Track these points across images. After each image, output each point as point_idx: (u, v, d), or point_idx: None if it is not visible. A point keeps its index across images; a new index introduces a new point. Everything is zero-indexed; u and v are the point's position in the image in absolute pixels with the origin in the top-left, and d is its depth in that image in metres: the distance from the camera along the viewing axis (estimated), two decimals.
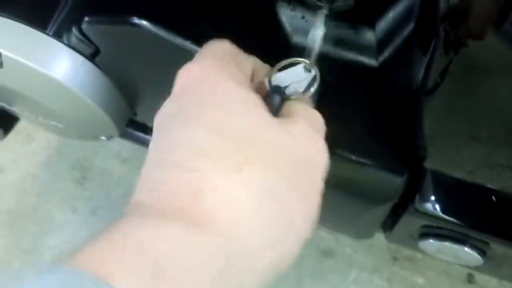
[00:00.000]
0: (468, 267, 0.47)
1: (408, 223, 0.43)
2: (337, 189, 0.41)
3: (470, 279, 0.76)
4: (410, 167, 0.38)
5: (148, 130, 0.59)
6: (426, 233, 0.43)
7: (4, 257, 0.77)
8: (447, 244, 0.42)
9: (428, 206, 0.40)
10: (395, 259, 0.77)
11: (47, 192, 0.81)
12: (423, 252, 0.47)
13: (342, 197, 0.43)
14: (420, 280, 0.76)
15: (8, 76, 0.46)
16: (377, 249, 0.77)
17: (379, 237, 0.50)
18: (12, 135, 0.60)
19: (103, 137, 0.55)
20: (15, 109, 0.54)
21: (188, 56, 0.32)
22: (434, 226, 0.42)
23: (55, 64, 0.45)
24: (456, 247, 0.41)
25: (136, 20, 0.39)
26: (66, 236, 0.77)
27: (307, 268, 0.75)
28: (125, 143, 0.64)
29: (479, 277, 0.76)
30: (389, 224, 0.47)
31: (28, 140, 0.82)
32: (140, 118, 0.55)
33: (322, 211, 0.38)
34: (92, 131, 0.54)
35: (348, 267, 0.76)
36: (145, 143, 0.61)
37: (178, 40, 0.38)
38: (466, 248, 0.41)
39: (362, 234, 0.50)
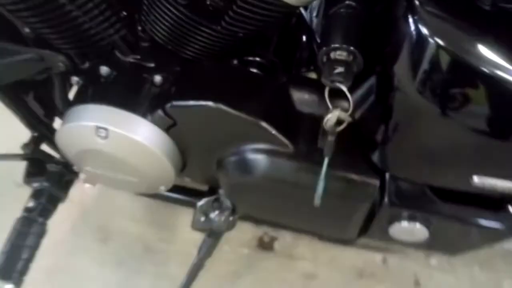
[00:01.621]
0: (420, 246, 0.74)
1: (381, 217, 0.70)
2: (334, 198, 0.68)
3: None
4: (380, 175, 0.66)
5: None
6: (392, 221, 0.70)
7: None
8: (406, 224, 0.69)
9: (395, 200, 0.67)
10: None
11: (78, 251, 1.00)
12: (390, 238, 0.73)
13: (337, 204, 0.70)
14: None
15: (110, 145, 0.70)
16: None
17: None
18: None
19: (162, 188, 0.79)
20: (100, 171, 0.76)
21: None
22: (397, 215, 0.69)
23: (143, 134, 0.69)
24: (412, 224, 0.69)
25: (212, 104, 0.65)
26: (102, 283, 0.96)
27: None
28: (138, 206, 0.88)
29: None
30: (364, 229, 0.74)
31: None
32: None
33: (319, 219, 0.65)
34: (158, 183, 0.77)
35: None
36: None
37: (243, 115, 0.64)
38: (417, 225, 0.69)
39: (349, 234, 0.77)
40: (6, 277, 0.73)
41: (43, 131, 0.87)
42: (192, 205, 0.87)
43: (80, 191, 0.96)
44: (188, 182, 0.91)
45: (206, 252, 0.84)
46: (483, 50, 0.50)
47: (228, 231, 0.84)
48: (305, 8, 0.74)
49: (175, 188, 0.89)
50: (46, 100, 0.85)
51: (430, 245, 0.76)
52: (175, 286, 0.87)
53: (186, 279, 0.85)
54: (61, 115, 0.85)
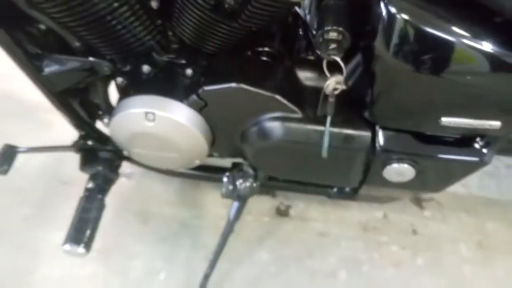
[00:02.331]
0: (411, 187, 0.92)
1: (376, 163, 0.89)
2: (337, 150, 0.86)
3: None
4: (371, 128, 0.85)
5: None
6: (384, 165, 0.88)
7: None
8: (396, 166, 0.87)
9: (385, 146, 0.86)
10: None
11: (123, 233, 1.17)
12: (385, 182, 0.91)
13: (340, 155, 0.88)
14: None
15: (157, 126, 0.88)
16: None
17: None
18: None
19: (197, 161, 0.97)
20: (147, 151, 0.94)
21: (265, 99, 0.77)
22: (388, 159, 0.87)
23: (182, 115, 0.88)
24: (401, 166, 0.87)
25: (235, 85, 0.84)
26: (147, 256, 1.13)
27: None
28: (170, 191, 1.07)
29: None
30: (363, 178, 0.93)
31: None
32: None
33: (327, 171, 0.83)
34: (194, 157, 0.95)
35: None
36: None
37: (261, 91, 0.83)
38: (405, 166, 0.88)
39: (352, 182, 0.95)
40: (78, 243, 0.90)
41: (87, 130, 1.05)
42: (219, 180, 1.04)
43: (119, 183, 1.14)
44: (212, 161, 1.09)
45: (235, 215, 1.01)
46: (437, 21, 0.69)
47: (252, 196, 1.01)
48: (299, 7, 0.93)
49: (204, 167, 1.07)
50: (87, 104, 1.03)
51: (418, 185, 0.93)
52: (210, 253, 1.04)
53: (219, 241, 1.03)
54: (102, 115, 1.04)
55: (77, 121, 1.02)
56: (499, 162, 1.35)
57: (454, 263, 1.13)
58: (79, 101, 1.03)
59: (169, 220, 1.18)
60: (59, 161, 1.28)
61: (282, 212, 1.21)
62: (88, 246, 0.89)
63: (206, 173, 1.10)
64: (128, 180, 1.23)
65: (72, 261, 1.08)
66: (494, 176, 1.32)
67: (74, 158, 1.06)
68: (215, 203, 1.18)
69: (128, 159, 1.04)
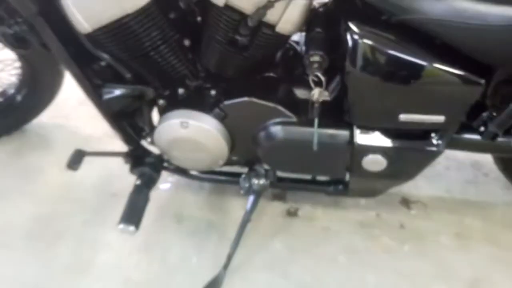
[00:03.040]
0: (386, 176, 1.19)
1: (355, 155, 1.16)
2: (324, 145, 1.14)
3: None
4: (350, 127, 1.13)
5: None
6: (362, 156, 1.15)
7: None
8: (371, 157, 1.15)
9: (361, 141, 1.13)
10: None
11: (161, 231, 1.45)
12: (365, 172, 1.18)
13: (327, 149, 1.15)
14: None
15: (190, 132, 1.18)
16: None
17: None
18: None
19: (220, 162, 1.26)
20: (182, 154, 1.23)
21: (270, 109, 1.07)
22: (364, 151, 1.14)
23: (208, 124, 1.17)
24: (375, 156, 1.14)
25: (247, 99, 1.14)
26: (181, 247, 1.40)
27: None
28: (199, 198, 1.36)
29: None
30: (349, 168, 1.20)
31: None
32: None
33: (319, 164, 1.11)
34: (217, 158, 1.23)
35: None
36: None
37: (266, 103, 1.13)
38: (379, 156, 1.15)
39: (340, 172, 1.22)
40: (130, 223, 1.18)
41: (134, 145, 1.35)
42: (237, 182, 1.32)
43: (158, 194, 1.43)
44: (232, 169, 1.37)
45: (251, 207, 1.28)
46: (389, 44, 0.99)
47: (264, 191, 1.28)
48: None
49: (226, 173, 1.36)
50: (135, 126, 1.34)
51: (392, 173, 1.19)
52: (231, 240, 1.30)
53: (239, 228, 1.29)
54: (146, 135, 1.34)
55: (127, 138, 1.33)
56: (477, 171, 1.59)
57: (435, 249, 1.36)
58: (129, 123, 1.34)
59: (198, 220, 1.45)
60: (109, 177, 1.59)
61: (292, 213, 1.47)
62: (137, 226, 1.17)
63: (229, 177, 1.38)
64: (165, 192, 1.52)
65: (121, 252, 1.36)
66: (473, 182, 1.57)
67: (119, 177, 1.39)
68: (235, 208, 1.46)
69: (165, 168, 1.34)
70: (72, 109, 1.85)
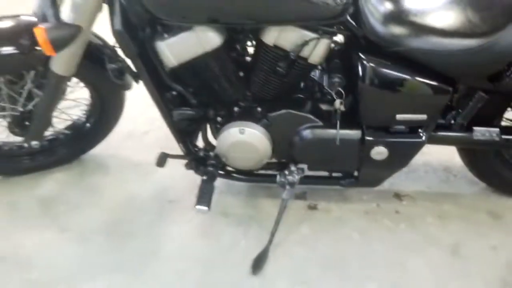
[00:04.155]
0: (387, 166, 1.66)
1: (365, 148, 1.63)
2: (344, 142, 1.61)
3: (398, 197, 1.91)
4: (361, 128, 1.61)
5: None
6: (370, 148, 1.62)
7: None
8: (377, 148, 1.62)
9: (370, 137, 1.61)
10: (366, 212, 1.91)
11: (215, 223, 1.86)
12: (372, 161, 1.65)
13: (345, 145, 1.62)
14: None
15: (245, 137, 1.62)
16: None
17: None
18: None
19: (264, 161, 1.70)
20: (237, 154, 1.67)
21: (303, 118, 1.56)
22: (372, 144, 1.62)
23: (258, 130, 1.63)
24: (379, 148, 1.62)
25: (285, 111, 1.61)
26: (231, 233, 1.81)
27: None
28: (234, 200, 1.81)
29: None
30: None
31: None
32: None
33: (339, 158, 1.59)
34: (262, 158, 1.66)
35: None
36: None
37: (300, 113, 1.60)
38: (382, 147, 1.62)
39: (352, 165, 1.68)
40: (204, 204, 1.59)
41: (192, 155, 1.78)
42: (272, 181, 1.76)
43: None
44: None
45: (287, 195, 1.71)
46: (388, 67, 1.48)
47: (295, 184, 1.72)
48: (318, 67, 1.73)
49: (264, 175, 1.80)
50: (192, 139, 1.78)
51: (392, 162, 1.65)
52: (269, 231, 1.71)
53: (277, 215, 1.71)
54: (204, 150, 1.77)
55: (187, 149, 1.76)
56: (449, 173, 2.08)
57: (423, 226, 1.80)
58: (190, 140, 1.77)
59: (240, 215, 1.86)
60: (164, 188, 2.00)
61: (312, 207, 1.91)
62: (209, 207, 1.58)
63: (266, 178, 1.82)
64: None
65: (184, 241, 1.74)
66: (446, 181, 2.05)
67: (172, 187, 1.85)
68: (268, 205, 1.88)
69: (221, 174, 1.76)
70: (120, 142, 2.26)
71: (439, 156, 2.13)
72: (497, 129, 1.63)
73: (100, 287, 1.59)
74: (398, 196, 1.94)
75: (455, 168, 2.07)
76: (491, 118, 1.66)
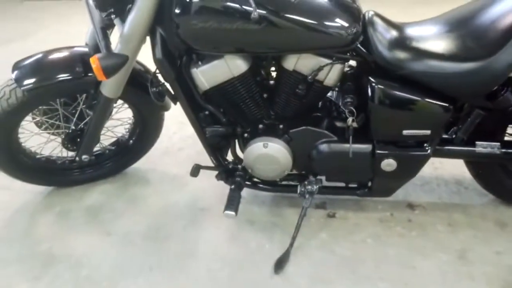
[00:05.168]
0: (397, 177, 1.85)
1: (376, 160, 1.82)
2: (356, 155, 1.81)
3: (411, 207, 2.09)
4: (372, 142, 1.81)
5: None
6: (380, 161, 1.82)
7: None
8: (386, 160, 1.81)
9: (379, 150, 1.80)
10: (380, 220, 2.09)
11: (240, 230, 2.07)
12: (383, 172, 1.84)
13: (357, 158, 1.82)
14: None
15: (268, 150, 1.84)
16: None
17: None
18: None
19: (285, 172, 1.91)
20: (261, 166, 1.89)
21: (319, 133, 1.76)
22: (382, 157, 1.81)
23: (280, 145, 1.84)
24: (388, 160, 1.80)
25: (305, 128, 1.83)
26: (257, 238, 2.02)
27: None
28: (260, 210, 2.02)
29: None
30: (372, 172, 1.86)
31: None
32: None
33: (352, 171, 1.80)
34: (284, 169, 1.87)
35: None
36: None
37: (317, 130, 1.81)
38: (391, 159, 1.81)
39: (365, 176, 1.87)
40: (231, 210, 1.80)
41: (222, 166, 2.01)
42: (293, 191, 1.97)
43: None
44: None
45: (307, 203, 1.91)
46: (395, 88, 1.69)
47: (315, 194, 1.92)
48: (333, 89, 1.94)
49: (286, 186, 2.01)
50: (222, 154, 2.01)
51: (401, 172, 1.83)
52: (291, 235, 1.91)
53: (298, 220, 1.91)
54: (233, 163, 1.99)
55: (218, 162, 1.99)
56: (460, 186, 2.24)
57: (434, 233, 1.96)
58: (221, 154, 2.00)
59: (265, 222, 2.07)
60: (196, 199, 2.23)
61: (331, 216, 2.10)
62: (236, 212, 1.79)
63: (288, 188, 2.02)
64: (240, 205, 2.15)
65: (216, 243, 1.95)
66: (457, 193, 2.20)
67: (203, 198, 2.07)
68: (290, 214, 2.08)
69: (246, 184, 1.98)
70: (159, 157, 2.51)
71: (452, 170, 2.30)
72: (497, 143, 1.78)
73: (140, 284, 1.80)
74: (411, 206, 2.11)
75: (466, 181, 2.22)
76: (493, 133, 1.82)
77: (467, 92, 1.62)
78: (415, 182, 2.24)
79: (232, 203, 1.80)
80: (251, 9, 1.40)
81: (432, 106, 1.65)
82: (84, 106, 1.98)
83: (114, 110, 2.13)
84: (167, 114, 2.21)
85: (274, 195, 2.18)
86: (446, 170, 2.30)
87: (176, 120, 2.66)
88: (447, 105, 1.65)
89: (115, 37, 1.69)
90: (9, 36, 4.42)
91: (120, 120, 2.26)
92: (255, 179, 1.99)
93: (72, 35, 1.99)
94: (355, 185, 1.97)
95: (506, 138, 1.89)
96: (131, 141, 2.27)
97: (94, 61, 1.53)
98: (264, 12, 1.48)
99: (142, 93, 1.89)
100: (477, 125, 1.75)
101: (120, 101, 2.09)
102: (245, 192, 2.14)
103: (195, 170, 1.93)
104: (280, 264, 1.81)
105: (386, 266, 1.82)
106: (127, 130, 2.28)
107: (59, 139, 2.09)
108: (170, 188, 2.29)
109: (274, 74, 1.80)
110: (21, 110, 1.90)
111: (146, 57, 1.78)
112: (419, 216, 2.05)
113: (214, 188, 2.15)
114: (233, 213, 1.77)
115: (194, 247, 1.95)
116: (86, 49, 1.89)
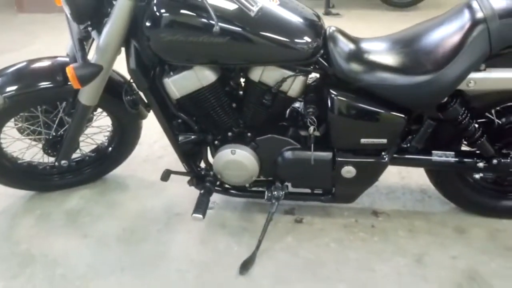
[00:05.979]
0: (356, 183, 1.95)
1: (337, 167, 1.93)
2: (317, 163, 1.92)
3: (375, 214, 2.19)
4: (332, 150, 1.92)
5: None
6: (340, 168, 1.93)
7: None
8: (346, 167, 1.92)
9: (339, 158, 1.91)
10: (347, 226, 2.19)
11: (216, 232, 2.17)
12: (343, 179, 1.95)
13: (318, 165, 1.93)
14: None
15: (236, 157, 1.95)
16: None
17: None
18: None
19: (253, 178, 2.02)
20: (230, 172, 2.00)
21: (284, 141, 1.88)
22: (341, 164, 1.92)
23: (247, 152, 1.96)
24: (348, 167, 1.91)
25: (270, 135, 1.93)
26: (229, 239, 2.12)
27: None
28: (233, 215, 2.11)
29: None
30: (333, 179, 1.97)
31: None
32: None
33: (315, 177, 1.91)
34: (251, 175, 1.97)
35: None
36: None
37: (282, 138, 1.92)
38: (350, 167, 1.92)
39: (327, 183, 1.98)
40: (199, 213, 1.88)
41: (194, 172, 2.11)
42: (261, 197, 2.07)
43: (208, 213, 2.17)
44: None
45: (274, 209, 2.01)
46: (354, 99, 1.80)
47: (281, 200, 2.02)
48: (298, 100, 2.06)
49: (253, 191, 2.11)
50: (194, 159, 2.12)
51: (360, 179, 1.94)
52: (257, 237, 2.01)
53: (265, 223, 2.01)
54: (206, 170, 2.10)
55: (190, 168, 2.09)
56: (424, 194, 2.35)
57: (395, 238, 2.06)
58: (193, 160, 2.10)
59: (235, 227, 2.15)
60: (172, 204, 2.33)
61: (298, 221, 2.19)
62: (203, 216, 1.89)
63: (256, 193, 2.13)
64: (211, 210, 2.25)
65: (186, 246, 2.04)
66: (421, 201, 2.31)
67: (180, 203, 2.16)
68: (261, 219, 2.16)
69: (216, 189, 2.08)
70: (138, 165, 2.61)
71: (418, 180, 2.40)
72: (452, 153, 1.89)
73: (111, 283, 1.89)
74: (375, 213, 2.21)
75: (430, 190, 2.32)
76: (450, 143, 1.93)
77: (418, 103, 1.73)
78: (381, 191, 2.34)
79: (201, 206, 1.89)
80: (213, 22, 1.51)
81: (387, 116, 1.75)
82: (63, 113, 2.08)
83: (94, 118, 2.23)
84: (148, 123, 2.31)
85: (246, 201, 2.27)
86: (413, 179, 2.41)
87: (157, 130, 2.74)
88: (402, 115, 1.75)
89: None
90: (3, 47, 4.55)
91: (100, 128, 2.36)
92: (226, 185, 2.08)
93: (64, 47, 2.11)
94: (320, 192, 2.06)
95: (463, 148, 1.99)
96: (110, 148, 2.37)
97: (69, 71, 1.64)
98: (226, 26, 1.59)
99: (119, 102, 1.99)
100: (434, 135, 1.85)
101: (99, 110, 2.19)
102: (219, 198, 2.24)
103: (166, 175, 2.04)
104: (245, 266, 1.91)
105: (346, 269, 1.91)
106: (106, 137, 2.38)
107: (40, 145, 2.18)
108: (148, 194, 2.39)
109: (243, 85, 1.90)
110: (2, 116, 2.01)
111: (123, 67, 1.89)
112: (383, 222, 2.15)
113: (190, 194, 2.22)
114: (200, 216, 1.87)
115: (166, 249, 2.04)
116: (67, 59, 2.00)
